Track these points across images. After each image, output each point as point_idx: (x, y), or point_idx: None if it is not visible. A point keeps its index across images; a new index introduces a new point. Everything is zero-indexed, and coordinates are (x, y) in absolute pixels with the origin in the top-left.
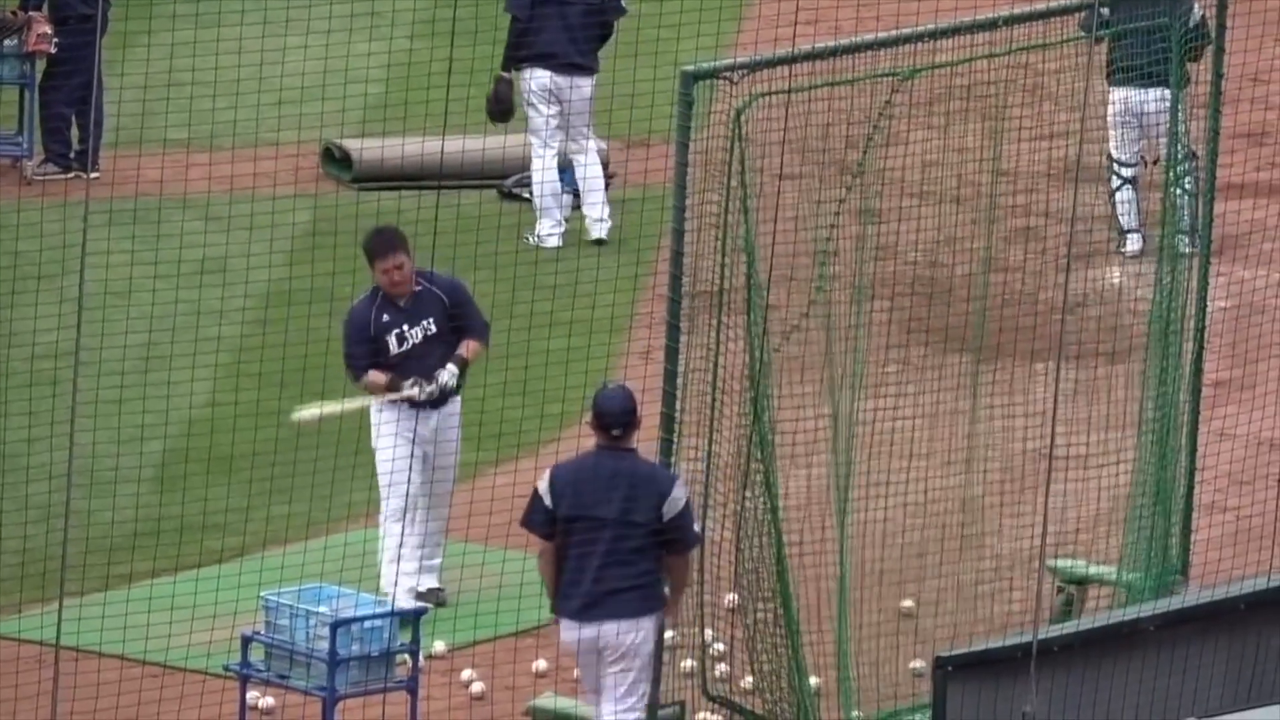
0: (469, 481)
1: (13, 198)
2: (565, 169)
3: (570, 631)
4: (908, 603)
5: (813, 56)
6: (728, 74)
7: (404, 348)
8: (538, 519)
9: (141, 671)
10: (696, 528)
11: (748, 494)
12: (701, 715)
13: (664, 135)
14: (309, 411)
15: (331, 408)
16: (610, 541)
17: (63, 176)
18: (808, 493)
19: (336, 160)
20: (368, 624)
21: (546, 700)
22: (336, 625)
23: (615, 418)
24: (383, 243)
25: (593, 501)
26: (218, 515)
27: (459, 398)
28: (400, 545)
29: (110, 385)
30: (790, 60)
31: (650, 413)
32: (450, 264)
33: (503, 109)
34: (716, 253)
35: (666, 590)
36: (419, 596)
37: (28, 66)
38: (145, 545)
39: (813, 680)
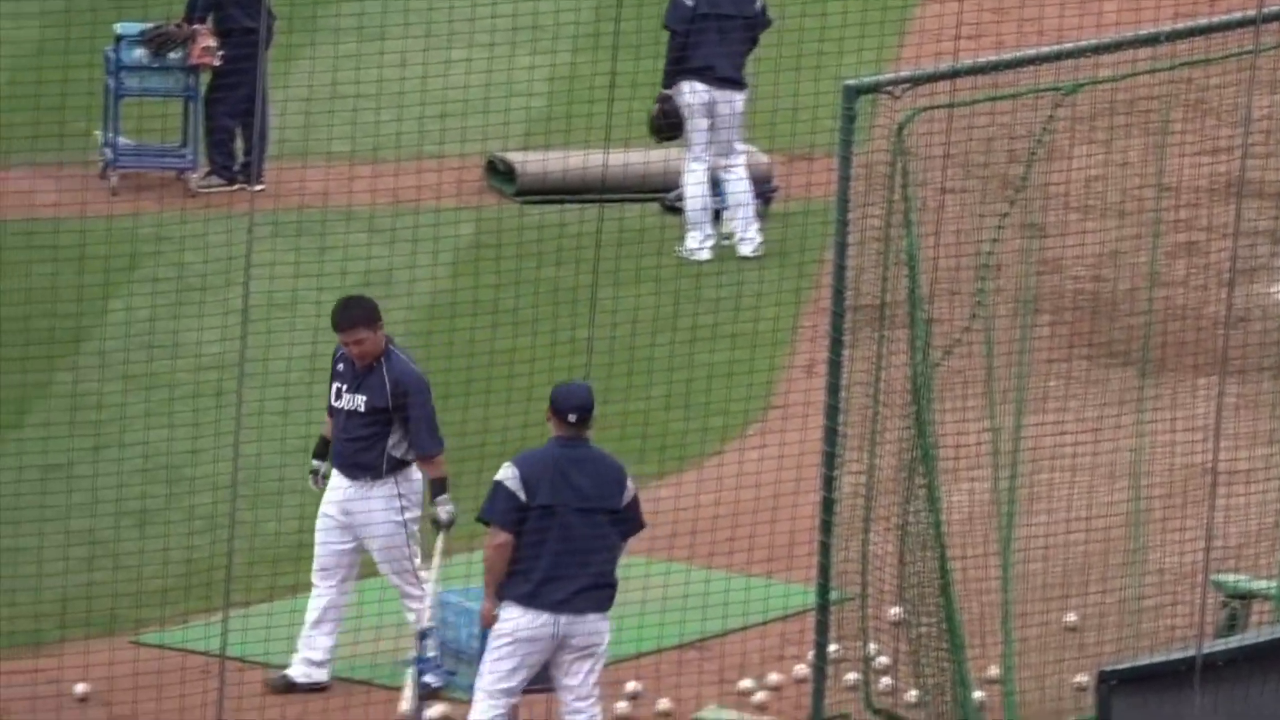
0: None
1: (177, 210)
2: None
3: (537, 622)
4: (1071, 617)
5: (975, 71)
6: (890, 88)
7: (336, 404)
8: (506, 512)
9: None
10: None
11: (911, 508)
12: None
13: (826, 149)
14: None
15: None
16: (587, 530)
17: (227, 189)
18: (970, 507)
19: (500, 173)
20: None
21: (711, 713)
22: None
23: (575, 407)
24: (343, 319)
25: (570, 489)
26: None
27: (388, 479)
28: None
29: (275, 396)
30: (952, 74)
31: (813, 426)
32: (612, 276)
33: (672, 123)
34: (879, 266)
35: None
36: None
37: (192, 79)
38: (309, 556)
39: (977, 694)
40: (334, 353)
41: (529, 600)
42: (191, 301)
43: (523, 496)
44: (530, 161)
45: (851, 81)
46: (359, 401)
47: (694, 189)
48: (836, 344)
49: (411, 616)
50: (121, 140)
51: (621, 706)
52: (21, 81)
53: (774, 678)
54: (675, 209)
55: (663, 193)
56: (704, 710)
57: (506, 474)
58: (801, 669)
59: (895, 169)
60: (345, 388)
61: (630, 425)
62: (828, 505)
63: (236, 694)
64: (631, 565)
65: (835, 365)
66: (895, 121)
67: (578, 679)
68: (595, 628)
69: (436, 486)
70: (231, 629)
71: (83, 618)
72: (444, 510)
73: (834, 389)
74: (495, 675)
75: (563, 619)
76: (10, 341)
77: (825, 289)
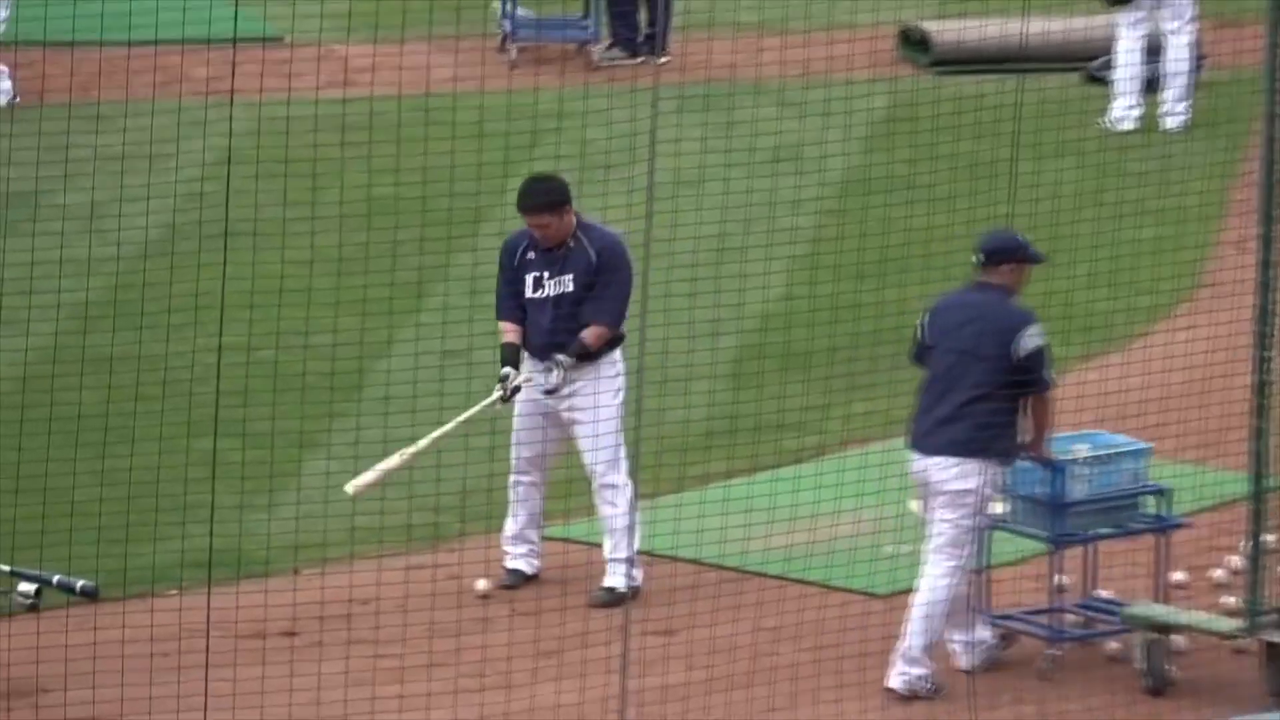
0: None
1: (579, 84)
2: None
3: (912, 459)
4: None
5: None
6: None
7: (537, 294)
8: (913, 351)
9: (717, 576)
10: (1051, 375)
11: None
12: None
13: (1255, 15)
14: (364, 478)
15: (390, 462)
16: (954, 373)
17: (630, 62)
18: None
19: (914, 43)
20: (1102, 468)
21: (1142, 607)
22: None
23: (980, 248)
24: (527, 204)
25: (947, 332)
26: (794, 414)
27: (605, 360)
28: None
29: (681, 278)
30: None
31: (1244, 305)
32: (1032, 150)
33: None
34: None
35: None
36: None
37: None
38: (719, 445)
39: None
40: (508, 246)
41: (908, 437)
42: (595, 180)
43: (919, 334)
44: (946, 30)
45: None
46: (566, 281)
47: (1126, 55)
48: (1267, 219)
49: (609, 511)
50: (520, 11)
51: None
52: None
53: (1217, 572)
54: (1098, 79)
55: (1084, 62)
56: (1134, 605)
57: (922, 315)
58: (1235, 560)
59: None
60: (545, 274)
61: (1053, 305)
62: (1261, 388)
63: (646, 589)
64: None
65: (1266, 241)
66: None
67: (932, 523)
68: (941, 463)
69: (577, 346)
70: (645, 521)
71: (483, 511)
72: (555, 372)
73: (1265, 265)
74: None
75: (918, 457)
76: (408, 223)
77: (1256, 161)
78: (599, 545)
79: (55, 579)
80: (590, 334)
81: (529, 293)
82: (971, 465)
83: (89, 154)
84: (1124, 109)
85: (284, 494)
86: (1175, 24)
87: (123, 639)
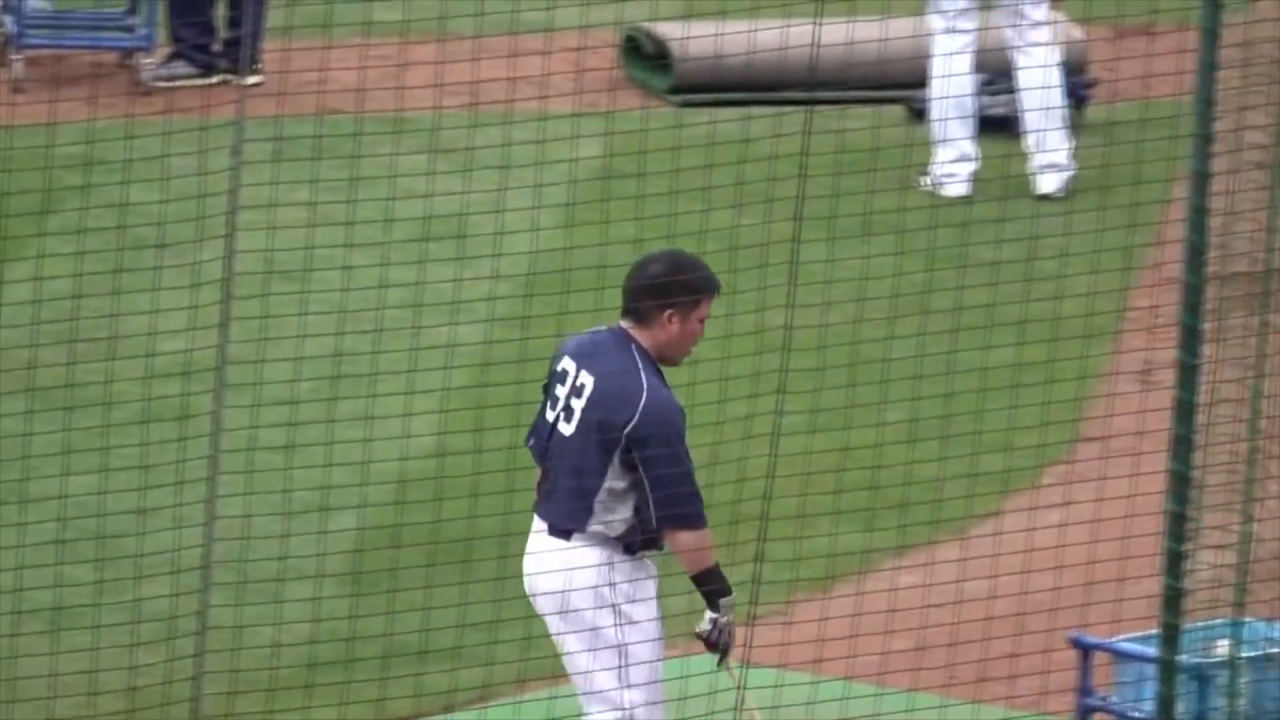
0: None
1: (120, 116)
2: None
3: None
4: None
5: None
6: None
7: None
8: None
9: None
10: None
11: None
12: None
13: (1177, 20)
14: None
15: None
16: None
17: (200, 81)
18: None
19: (645, 57)
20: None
21: None
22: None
23: None
24: (712, 277)
25: None
26: (448, 634)
27: None
28: None
29: (272, 423)
30: None
31: (1149, 468)
32: (825, 227)
33: None
34: (1273, 209)
35: None
36: None
37: None
38: (326, 684)
39: None
40: (677, 404)
41: None
42: (144, 265)
43: None
44: (695, 38)
45: None
46: None
47: (943, 80)
48: (1191, 336)
49: None
50: (32, 2)
51: None
52: None
53: None
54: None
55: (910, 90)
56: None
57: None
58: None
59: None
60: None
61: (852, 465)
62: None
63: None
64: None
65: (1189, 371)
66: None
67: None
68: None
69: None
70: None
71: None
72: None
73: (1186, 409)
74: None
75: None
76: None
77: (1174, 247)
78: None
79: None
80: None
81: None
82: None
83: None
84: (952, 162)
85: None
86: (1012, 34)
87: None
